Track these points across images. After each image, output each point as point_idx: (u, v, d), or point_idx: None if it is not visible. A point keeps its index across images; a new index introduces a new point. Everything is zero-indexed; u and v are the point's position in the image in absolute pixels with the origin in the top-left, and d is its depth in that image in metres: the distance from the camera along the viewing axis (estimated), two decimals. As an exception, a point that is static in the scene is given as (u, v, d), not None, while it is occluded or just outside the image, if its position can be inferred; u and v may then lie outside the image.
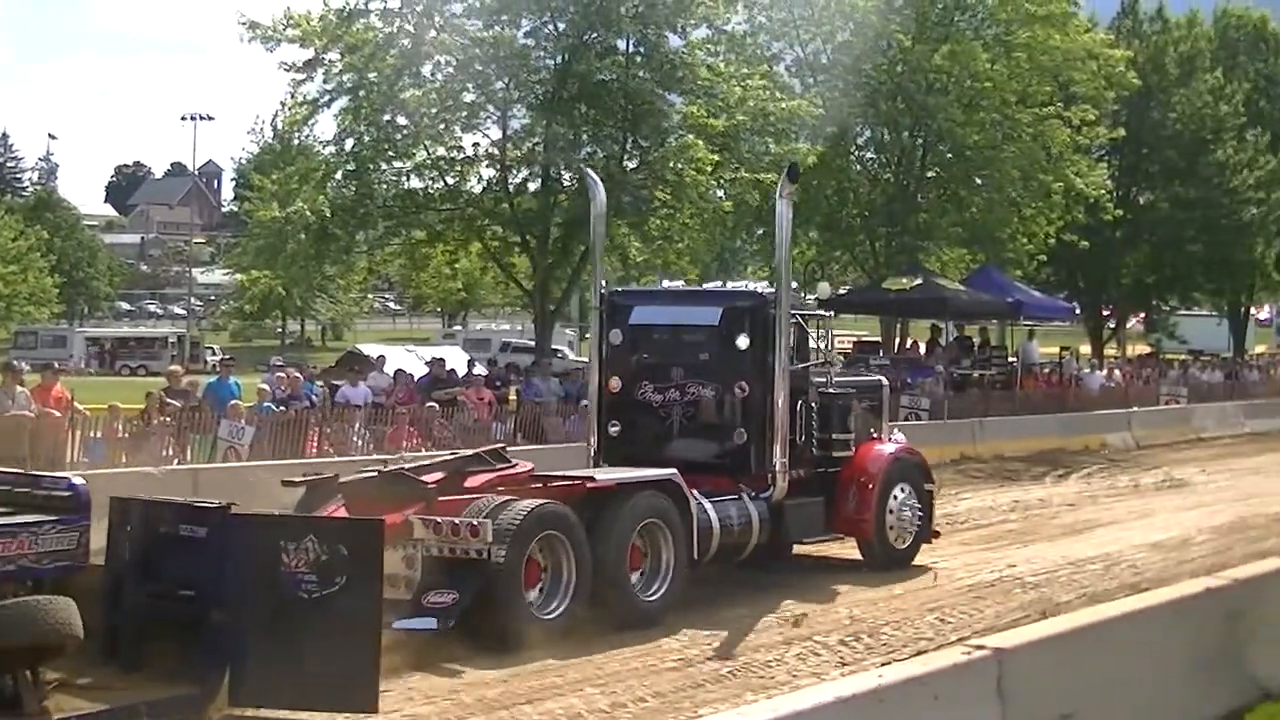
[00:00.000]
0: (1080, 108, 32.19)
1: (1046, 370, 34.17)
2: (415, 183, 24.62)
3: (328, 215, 23.87)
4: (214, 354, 51.73)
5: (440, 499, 10.33)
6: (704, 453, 12.52)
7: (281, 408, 17.78)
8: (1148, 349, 49.95)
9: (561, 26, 24.30)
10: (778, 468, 12.34)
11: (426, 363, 23.20)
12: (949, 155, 31.81)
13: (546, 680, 9.29)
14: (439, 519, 10.01)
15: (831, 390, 13.22)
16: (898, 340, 32.95)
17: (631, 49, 24.81)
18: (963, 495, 19.74)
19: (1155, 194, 41.44)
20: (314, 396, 18.65)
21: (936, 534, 14.06)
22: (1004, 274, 32.54)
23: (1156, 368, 37.89)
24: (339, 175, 24.53)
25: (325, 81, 23.73)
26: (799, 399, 12.68)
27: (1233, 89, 42.68)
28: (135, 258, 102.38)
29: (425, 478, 10.65)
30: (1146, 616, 7.95)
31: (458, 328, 63.42)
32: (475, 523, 10.00)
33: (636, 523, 10.95)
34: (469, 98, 24.10)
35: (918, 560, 13.74)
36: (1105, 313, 43.92)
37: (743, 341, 12.52)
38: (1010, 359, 31.68)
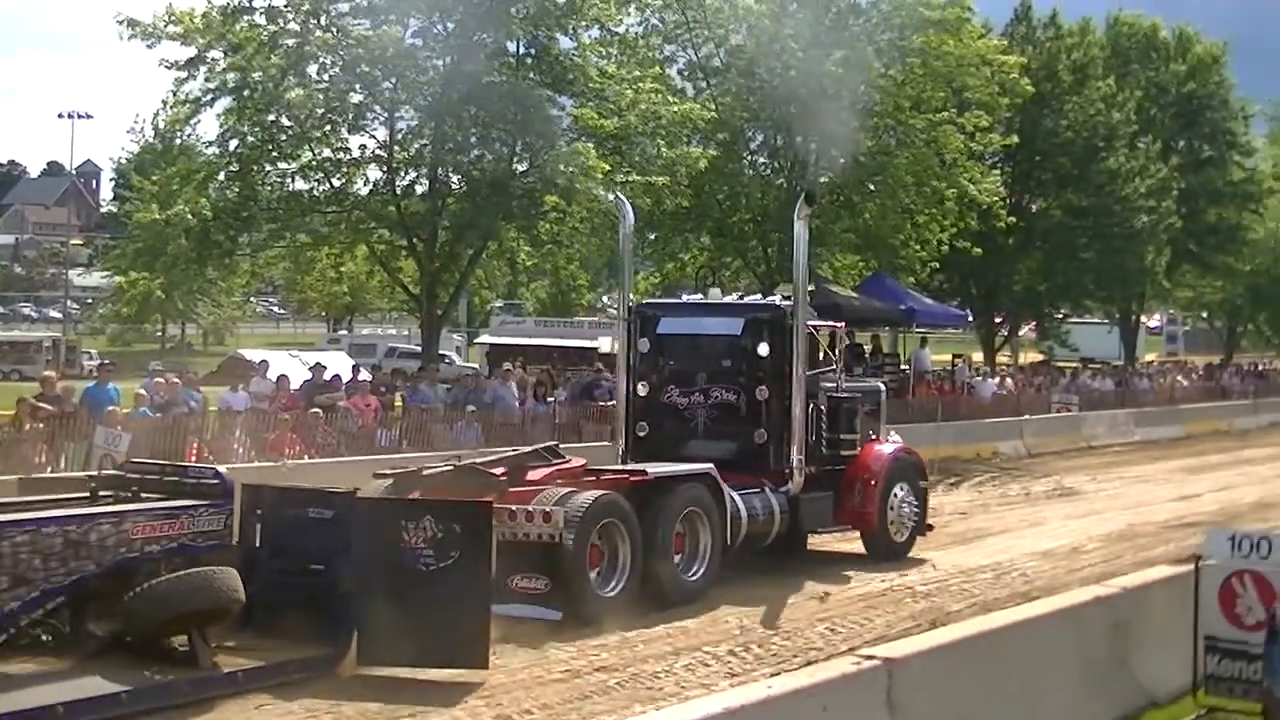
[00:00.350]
0: (974, 114, 32.57)
1: (939, 378, 34.67)
2: (300, 184, 24.41)
3: (210, 217, 23.62)
4: (91, 358, 51.05)
5: (510, 489, 11.66)
6: (726, 451, 13.94)
7: (159, 414, 17.73)
8: (1040, 357, 50.93)
9: (450, 27, 24.11)
10: (795, 464, 13.97)
11: (309, 368, 23.24)
12: (842, 161, 32.04)
13: (432, 691, 9.32)
14: (515, 506, 11.26)
15: (840, 395, 14.87)
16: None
17: (522, 51, 24.76)
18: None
19: (1048, 201, 41.83)
20: (193, 402, 18.60)
21: (930, 528, 15.56)
22: (897, 281, 32.81)
23: (1048, 375, 38.57)
24: (222, 176, 24.30)
25: (208, 80, 23.48)
26: (811, 402, 14.19)
27: (1124, 97, 43.43)
28: (9, 259, 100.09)
29: (494, 470, 12.00)
30: (1036, 625, 8.11)
31: (343, 332, 62.66)
32: (548, 510, 11.35)
33: (680, 511, 12.51)
34: (356, 98, 23.95)
35: (912, 553, 15.14)
36: (998, 320, 44.16)
37: (763, 349, 14.23)
38: (903, 367, 32.05)
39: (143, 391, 18.71)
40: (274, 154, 23.87)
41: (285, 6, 23.60)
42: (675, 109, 25.53)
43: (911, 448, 15.79)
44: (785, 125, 30.79)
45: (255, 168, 23.76)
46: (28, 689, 7.90)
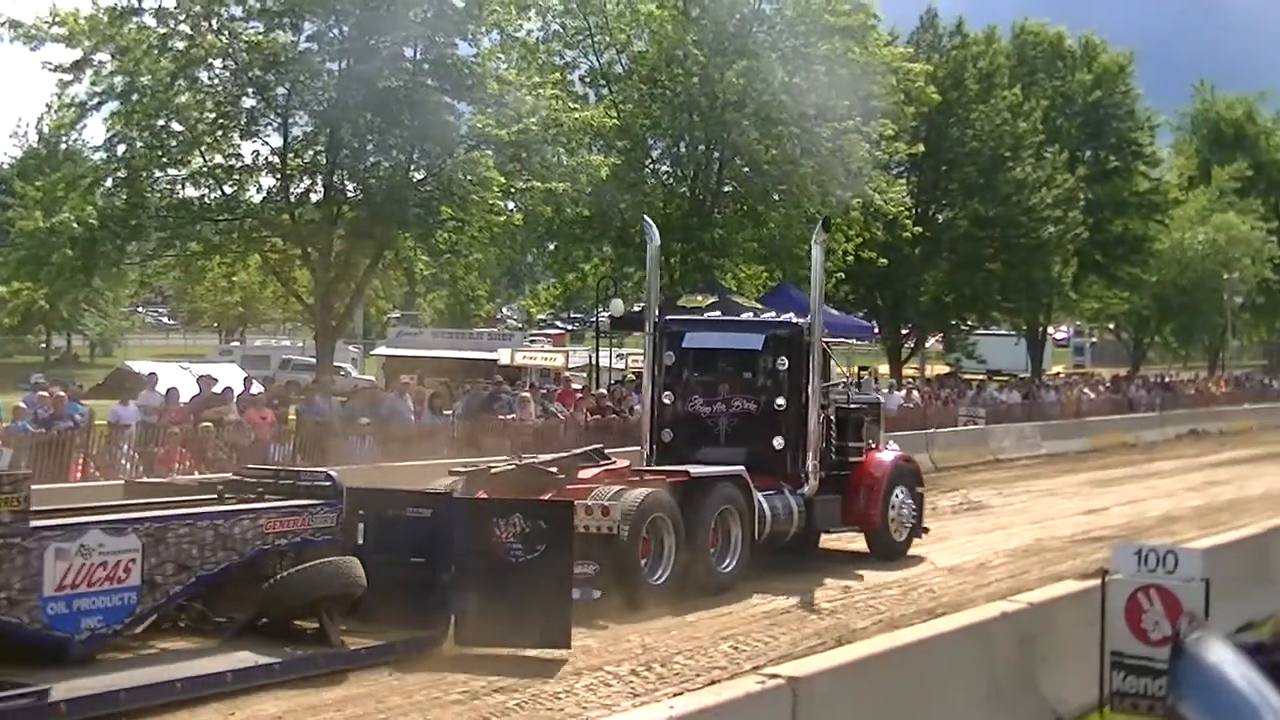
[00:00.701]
0: (880, 122, 32.97)
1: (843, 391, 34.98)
2: (191, 191, 24.19)
3: (96, 225, 23.26)
4: (-32, 372, 50.29)
5: (567, 486, 13.32)
6: (746, 456, 15.51)
7: (42, 429, 17.46)
8: (946, 369, 51.58)
9: (346, 30, 23.95)
10: (810, 469, 15.76)
11: (197, 380, 23.12)
12: (746, 170, 32.16)
13: (330, 713, 9.30)
14: (577, 502, 12.43)
15: (849, 406, 16.82)
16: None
17: (419, 56, 24.48)
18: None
19: (954, 211, 42.35)
20: (78, 416, 18.40)
21: (926, 530, 17.44)
22: (802, 292, 32.96)
23: (955, 388, 39.11)
24: (109, 183, 23.98)
25: (94, 84, 23.14)
26: (823, 412, 15.96)
27: (1031, 106, 43.96)
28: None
29: (550, 469, 13.73)
30: (942, 642, 8.17)
31: (235, 344, 61.85)
32: (606, 504, 13.04)
33: (716, 509, 14.21)
34: (248, 103, 23.89)
35: (912, 551, 16.88)
36: (904, 332, 44.53)
37: (782, 363, 16.04)
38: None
39: (23, 405, 18.45)
40: (163, 160, 23.66)
41: (175, 8, 23.47)
42: (576, 116, 25.49)
43: (909, 455, 17.86)
44: (688, 133, 30.88)
45: (144, 174, 23.62)
46: (193, 660, 9.59)
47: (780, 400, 16.07)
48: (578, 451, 15.06)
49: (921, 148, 36.94)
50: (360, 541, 11.05)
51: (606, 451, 15.19)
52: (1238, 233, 55.50)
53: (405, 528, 10.93)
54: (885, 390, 35.03)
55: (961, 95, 41.92)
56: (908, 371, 46.94)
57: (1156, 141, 55.31)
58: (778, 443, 15.93)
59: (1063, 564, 16.38)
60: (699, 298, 29.14)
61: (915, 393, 37.14)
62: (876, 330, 39.86)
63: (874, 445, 17.18)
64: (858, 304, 41.50)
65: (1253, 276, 56.25)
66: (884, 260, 35.75)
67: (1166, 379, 54.62)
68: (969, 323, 48.08)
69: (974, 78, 42.53)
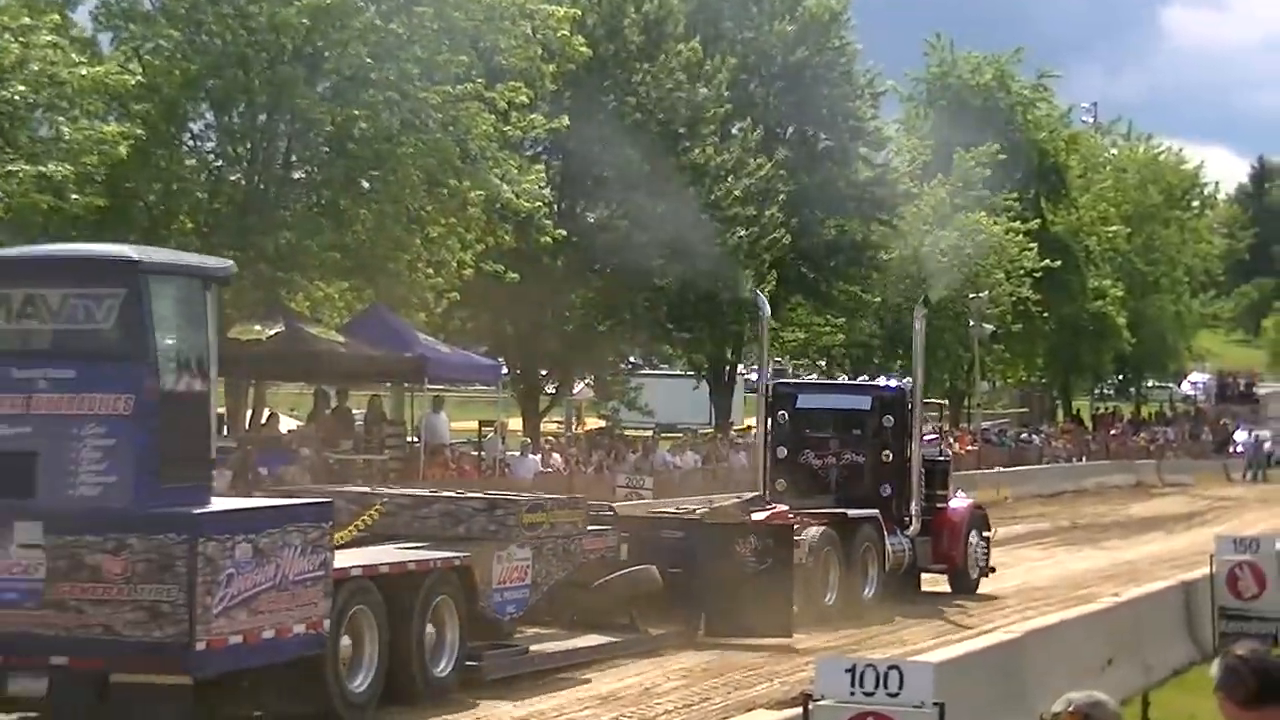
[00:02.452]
0: (509, 86, 34.23)
1: (459, 454, 35.91)
2: None
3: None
4: None
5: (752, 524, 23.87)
6: (854, 503, 26.38)
7: None
8: (601, 422, 53.15)
9: None
10: (914, 513, 26.98)
11: None
12: (325, 150, 32.74)
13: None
14: None
15: (937, 459, 28.90)
16: (250, 413, 33.62)
17: None
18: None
19: (610, 208, 43.76)
20: None
21: (993, 569, 29.06)
22: (402, 318, 33.85)
23: (612, 449, 40.78)
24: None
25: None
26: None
27: (714, 65, 46.04)
28: None
29: (739, 511, 25.07)
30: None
31: None
32: (799, 537, 23.97)
33: (863, 544, 25.56)
34: None
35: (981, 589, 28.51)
36: (543, 373, 45.45)
37: (888, 421, 27.60)
38: (410, 438, 33.35)
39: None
40: None
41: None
42: (83, 72, 25.66)
43: (980, 503, 31.07)
44: (242, 96, 31.23)
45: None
46: (560, 641, 20.18)
47: (886, 453, 27.41)
48: (747, 496, 26.91)
49: (566, 121, 37.94)
50: (623, 557, 21.84)
51: None
52: (989, 238, 60.29)
53: (662, 546, 22.36)
54: (515, 452, 36.52)
55: (620, 50, 43.19)
56: (548, 426, 48.09)
57: (881, 115, 59.11)
58: (885, 490, 27.13)
59: (755, 687, 18.53)
60: (257, 327, 29.46)
61: (557, 455, 38.49)
62: (505, 371, 39.94)
63: (949, 493, 28.89)
64: (479, 335, 42.28)
65: (1007, 296, 60.84)
66: (514, 275, 36.78)
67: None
68: (631, 360, 49.73)
69: (636, 26, 43.53)
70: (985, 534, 28.89)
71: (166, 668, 14.83)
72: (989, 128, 63.93)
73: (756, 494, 26.60)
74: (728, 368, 53.47)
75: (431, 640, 17.86)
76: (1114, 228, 75.25)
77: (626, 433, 47.18)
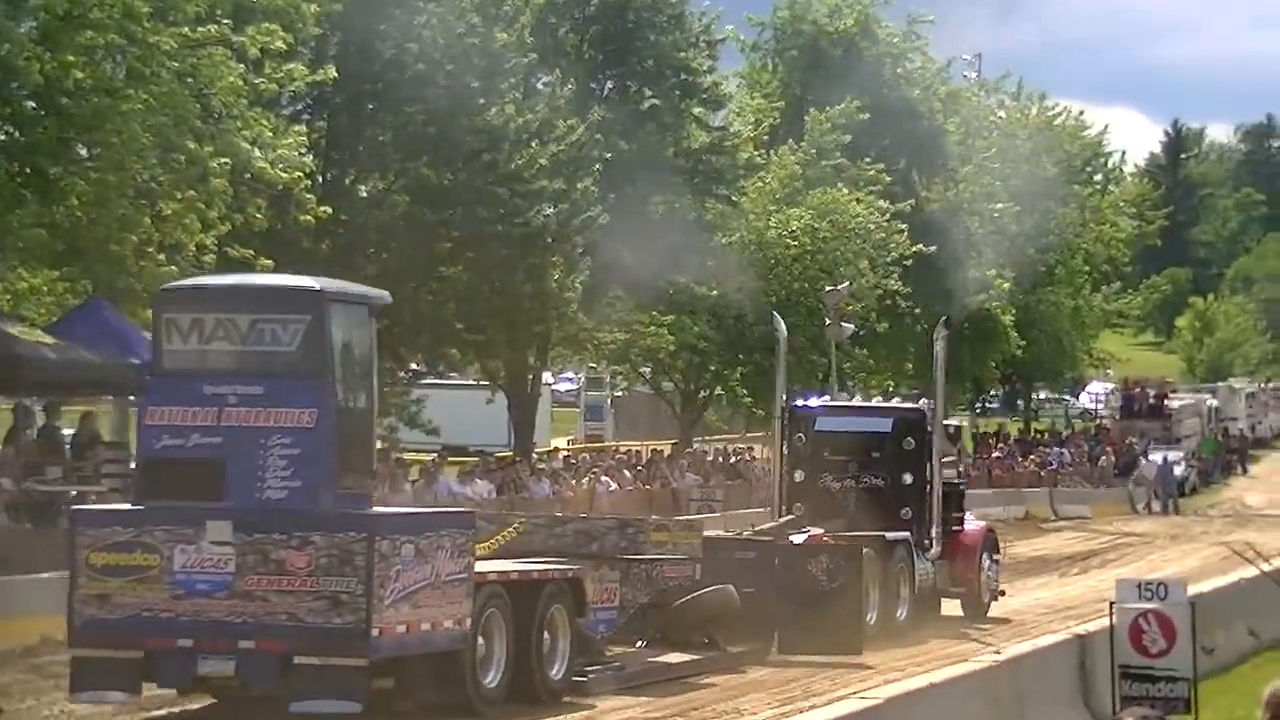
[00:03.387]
0: (262, 28, 34.01)
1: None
2: None
3: None
4: None
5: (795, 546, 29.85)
6: (874, 525, 31.50)
7: None
8: (379, 445, 53.09)
9: None
10: (934, 536, 32.76)
11: None
12: (29, 104, 32.30)
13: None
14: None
15: (954, 481, 34.52)
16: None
17: None
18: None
19: (385, 180, 43.77)
20: None
21: (1003, 592, 35.06)
22: (126, 316, 33.49)
23: (387, 476, 40.66)
24: None
25: None
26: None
27: (515, 4, 46.32)
28: None
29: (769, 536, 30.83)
30: None
31: None
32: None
33: (896, 566, 31.56)
34: None
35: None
36: None
37: (909, 443, 33.27)
38: (135, 464, 33.19)
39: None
40: None
41: None
42: None
43: (991, 525, 37.58)
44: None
45: None
46: (648, 659, 26.60)
47: (908, 476, 33.25)
48: (783, 520, 31.74)
49: (333, 72, 37.91)
50: (697, 578, 27.70)
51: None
52: (850, 218, 61.22)
53: (734, 566, 28.28)
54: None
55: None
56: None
57: (719, 68, 59.35)
58: (905, 513, 32.85)
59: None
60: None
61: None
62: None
63: (964, 516, 35.09)
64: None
65: (871, 291, 61.42)
66: (267, 261, 36.49)
67: (734, 456, 58.68)
68: (414, 367, 49.64)
69: (419, -46, 43.23)
70: (996, 557, 35.22)
71: (346, 651, 20.84)
72: (850, 84, 64.39)
73: (793, 517, 31.77)
74: (530, 377, 53.43)
75: (547, 647, 23.66)
76: (1000, 205, 76.18)
77: (406, 455, 47.07)
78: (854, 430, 34.22)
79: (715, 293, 56.17)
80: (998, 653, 22.69)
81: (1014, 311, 76.09)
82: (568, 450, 63.37)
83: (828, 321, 57.53)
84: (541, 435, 57.24)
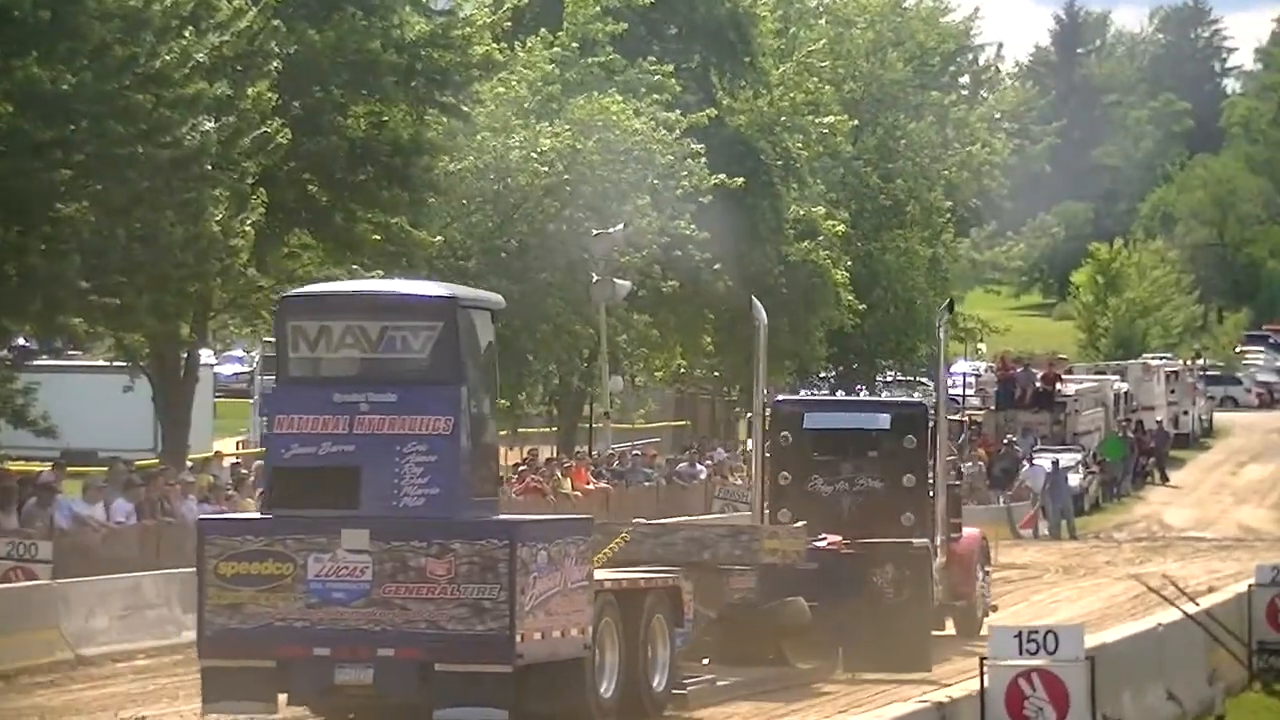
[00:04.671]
0: None
1: None
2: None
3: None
4: None
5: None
6: (872, 532, 36.92)
7: None
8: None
9: None
10: (940, 544, 38.88)
11: None
12: None
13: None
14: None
15: (954, 483, 43.13)
16: None
17: None
18: None
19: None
20: None
21: (995, 607, 41.99)
22: None
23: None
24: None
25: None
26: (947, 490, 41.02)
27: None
28: None
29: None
30: None
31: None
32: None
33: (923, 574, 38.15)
34: None
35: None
36: None
37: (909, 442, 39.09)
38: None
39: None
40: None
41: None
42: None
43: (985, 533, 45.35)
44: None
45: None
46: (726, 676, 33.36)
47: (909, 477, 38.52)
48: (800, 524, 36.24)
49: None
50: (756, 591, 34.62)
51: None
52: (624, 136, 61.95)
53: (796, 578, 34.74)
54: None
55: None
56: None
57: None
58: (907, 519, 38.07)
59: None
60: None
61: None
62: None
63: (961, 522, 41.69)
64: None
65: (655, 235, 61.54)
66: None
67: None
68: (20, 343, 49.36)
69: None
70: (988, 568, 41.91)
71: (490, 658, 26.76)
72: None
73: (798, 525, 36.38)
74: (184, 356, 53.12)
75: (649, 656, 29.88)
76: (831, 119, 76.69)
77: (8, 466, 46.73)
78: (847, 427, 39.95)
79: (439, 239, 56.13)
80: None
81: (849, 264, 76.49)
82: (236, 457, 63.05)
83: (595, 277, 57.90)
84: (200, 436, 56.98)
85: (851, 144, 78.54)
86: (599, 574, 29.31)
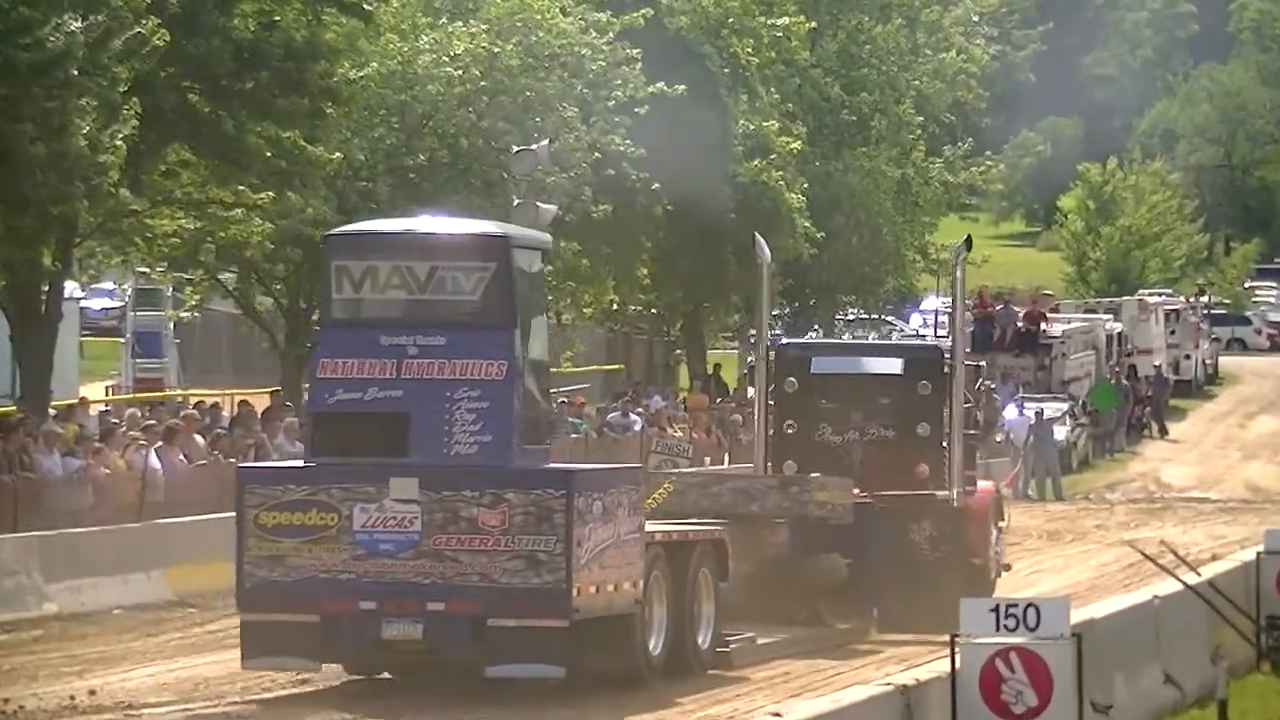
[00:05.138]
0: None
1: None
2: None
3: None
4: None
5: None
6: (885, 485, 39.50)
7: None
8: None
9: None
10: (956, 496, 40.18)
11: None
12: None
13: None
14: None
15: (971, 432, 41.80)
16: None
17: None
18: None
19: None
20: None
21: (1008, 567, 43.09)
22: None
23: None
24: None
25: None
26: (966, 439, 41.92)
27: None
28: None
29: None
30: None
31: None
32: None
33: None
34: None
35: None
36: None
37: (924, 388, 40.79)
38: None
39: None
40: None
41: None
42: None
43: (997, 486, 48.34)
44: None
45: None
46: (765, 636, 35.96)
47: (924, 425, 40.10)
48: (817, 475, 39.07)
49: None
50: (788, 545, 37.74)
51: None
52: (549, 39, 61.99)
53: (831, 534, 37.42)
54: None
55: None
56: None
57: None
58: (922, 471, 39.77)
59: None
60: None
61: None
62: None
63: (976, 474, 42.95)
64: None
65: (585, 152, 61.61)
66: None
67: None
68: None
69: None
70: (1001, 524, 42.71)
71: (545, 612, 29.09)
72: None
73: (815, 476, 38.39)
74: (46, 289, 52.86)
75: (695, 612, 32.38)
76: (785, 21, 76.80)
77: None
78: (857, 373, 41.92)
79: (338, 156, 56.10)
80: (777, 715, 22.95)
81: (806, 186, 76.55)
82: (106, 404, 63.02)
83: (515, 200, 57.92)
84: (65, 381, 56.94)
85: (809, 50, 78.55)
86: (647, 526, 31.55)
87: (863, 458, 40.40)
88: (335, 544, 29.05)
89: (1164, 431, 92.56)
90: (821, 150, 78.85)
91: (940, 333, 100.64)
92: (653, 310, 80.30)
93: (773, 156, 73.43)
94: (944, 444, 40.62)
